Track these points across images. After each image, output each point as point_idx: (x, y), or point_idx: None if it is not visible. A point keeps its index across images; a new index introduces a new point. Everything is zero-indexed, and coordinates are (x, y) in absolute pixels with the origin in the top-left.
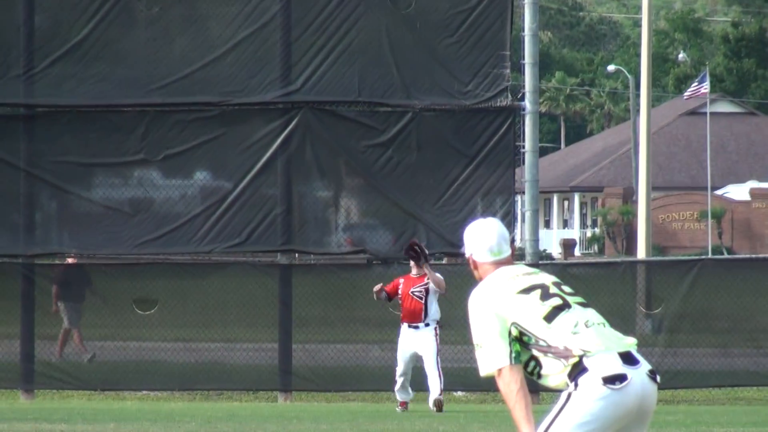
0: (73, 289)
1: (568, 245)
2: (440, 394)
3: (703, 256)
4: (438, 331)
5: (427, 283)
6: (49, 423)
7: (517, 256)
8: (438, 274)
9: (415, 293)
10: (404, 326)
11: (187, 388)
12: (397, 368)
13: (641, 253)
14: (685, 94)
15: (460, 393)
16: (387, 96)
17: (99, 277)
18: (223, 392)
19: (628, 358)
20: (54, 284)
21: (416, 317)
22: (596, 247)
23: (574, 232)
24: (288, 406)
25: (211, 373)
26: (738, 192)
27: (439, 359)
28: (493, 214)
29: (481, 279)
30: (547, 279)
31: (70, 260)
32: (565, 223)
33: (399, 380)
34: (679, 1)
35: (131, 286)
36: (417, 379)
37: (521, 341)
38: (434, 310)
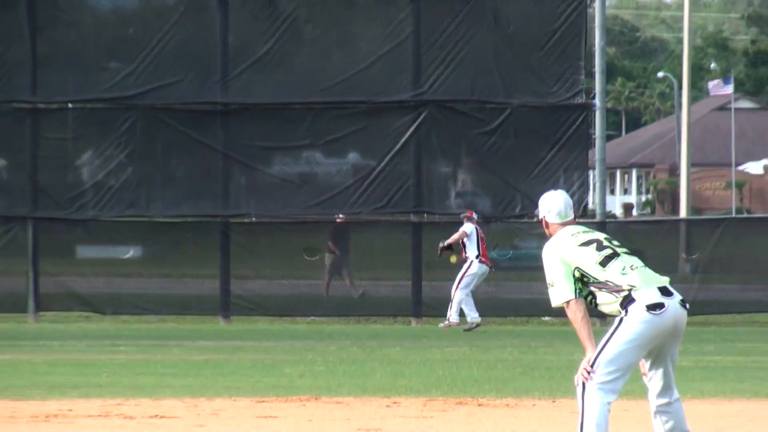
0: (341, 241)
1: (627, 208)
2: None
3: (729, 216)
4: (467, 267)
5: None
6: (241, 341)
7: (589, 215)
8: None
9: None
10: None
11: (343, 314)
12: None
13: (683, 213)
14: (709, 85)
15: (547, 318)
16: (492, 96)
17: (277, 232)
18: (370, 317)
19: (664, 291)
20: (328, 239)
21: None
22: (649, 209)
23: (632, 198)
24: (419, 329)
25: (361, 304)
26: (755, 168)
27: (456, 286)
28: (572, 185)
29: (550, 236)
30: (600, 236)
31: (338, 219)
32: (625, 191)
33: None
34: (712, 25)
35: (301, 239)
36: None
37: (582, 281)
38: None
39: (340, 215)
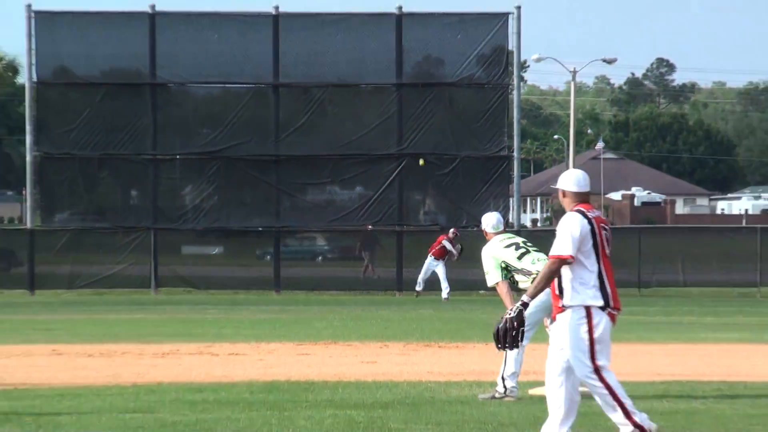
0: (368, 243)
1: (534, 222)
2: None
3: None
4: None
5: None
6: (287, 306)
7: (510, 226)
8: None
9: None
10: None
11: (352, 289)
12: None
13: None
14: (597, 146)
15: (482, 292)
16: (448, 150)
17: (309, 237)
18: (369, 291)
19: None
20: (359, 241)
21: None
22: (548, 222)
23: (537, 215)
24: (401, 299)
25: (364, 282)
26: (615, 196)
27: (444, 277)
28: (498, 207)
29: (488, 241)
30: (519, 240)
31: (368, 228)
32: (533, 211)
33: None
34: (589, 105)
35: (325, 242)
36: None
37: (507, 269)
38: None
39: (369, 226)
